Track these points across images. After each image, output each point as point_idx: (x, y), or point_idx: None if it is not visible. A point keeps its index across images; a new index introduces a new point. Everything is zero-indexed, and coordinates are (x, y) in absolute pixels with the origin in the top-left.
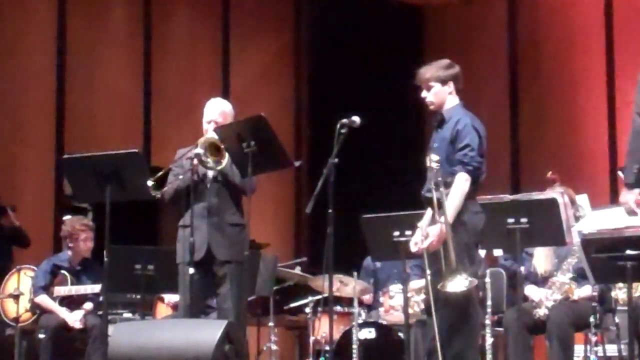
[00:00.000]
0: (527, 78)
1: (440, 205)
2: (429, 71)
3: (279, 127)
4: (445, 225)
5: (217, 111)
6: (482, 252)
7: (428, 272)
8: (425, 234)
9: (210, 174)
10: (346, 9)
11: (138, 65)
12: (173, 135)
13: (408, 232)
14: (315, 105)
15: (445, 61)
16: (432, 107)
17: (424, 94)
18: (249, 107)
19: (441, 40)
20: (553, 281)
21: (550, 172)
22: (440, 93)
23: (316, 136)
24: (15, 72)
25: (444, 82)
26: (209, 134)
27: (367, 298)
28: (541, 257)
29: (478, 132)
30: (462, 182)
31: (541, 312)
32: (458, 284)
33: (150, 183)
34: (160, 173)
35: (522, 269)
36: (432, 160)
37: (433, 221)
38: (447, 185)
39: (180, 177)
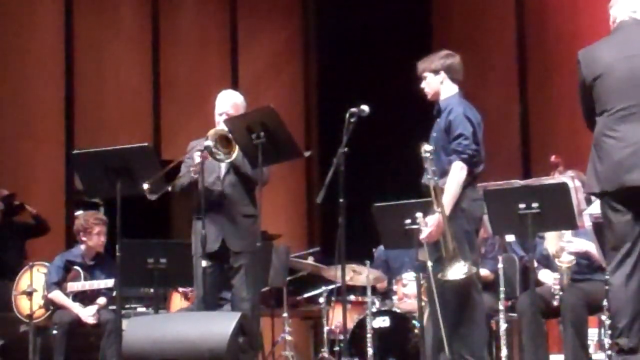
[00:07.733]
0: (536, 63)
1: (437, 194)
2: (423, 63)
3: (289, 117)
4: (442, 215)
5: (228, 103)
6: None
7: (429, 262)
8: (424, 223)
9: (223, 166)
10: None
11: (146, 58)
12: (183, 129)
13: (420, 220)
14: (325, 94)
15: (442, 52)
16: (429, 97)
17: (422, 84)
18: (258, 98)
19: (449, 26)
20: (558, 265)
21: (553, 156)
22: (432, 83)
23: (326, 126)
24: (24, 68)
25: (435, 72)
26: (220, 126)
27: (381, 285)
28: (551, 238)
29: (471, 120)
30: (457, 170)
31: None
32: (457, 271)
33: (145, 186)
34: (159, 173)
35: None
36: (425, 150)
37: (432, 210)
38: (445, 174)
39: (183, 176)
